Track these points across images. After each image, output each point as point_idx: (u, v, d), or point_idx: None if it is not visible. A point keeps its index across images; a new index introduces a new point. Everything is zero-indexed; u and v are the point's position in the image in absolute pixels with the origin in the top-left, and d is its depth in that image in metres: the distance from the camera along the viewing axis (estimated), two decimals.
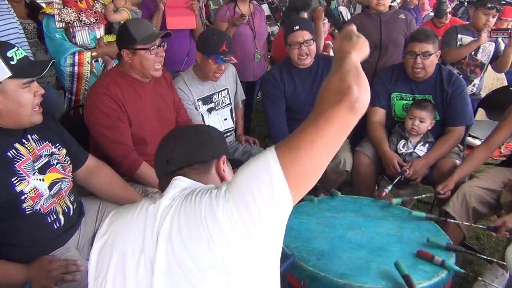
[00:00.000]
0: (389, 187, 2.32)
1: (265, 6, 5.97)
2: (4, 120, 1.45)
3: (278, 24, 6.09)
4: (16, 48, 1.44)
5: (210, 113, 2.63)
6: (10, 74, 1.39)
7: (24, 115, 1.46)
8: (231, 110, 2.75)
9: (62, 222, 1.61)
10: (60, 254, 1.58)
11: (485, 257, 1.86)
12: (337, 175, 2.66)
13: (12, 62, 1.40)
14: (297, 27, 2.62)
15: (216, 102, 2.66)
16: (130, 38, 1.99)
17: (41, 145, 1.58)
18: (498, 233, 1.89)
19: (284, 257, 1.58)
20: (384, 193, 2.24)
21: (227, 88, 2.71)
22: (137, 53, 2.01)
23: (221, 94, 2.68)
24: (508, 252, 1.73)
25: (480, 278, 1.90)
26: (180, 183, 1.04)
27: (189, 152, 1.10)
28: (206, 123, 2.58)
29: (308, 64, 2.71)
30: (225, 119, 2.72)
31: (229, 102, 2.73)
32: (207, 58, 2.39)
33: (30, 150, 1.53)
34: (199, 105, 2.57)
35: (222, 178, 1.12)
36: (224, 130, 2.69)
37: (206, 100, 2.60)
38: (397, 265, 1.48)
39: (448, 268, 1.53)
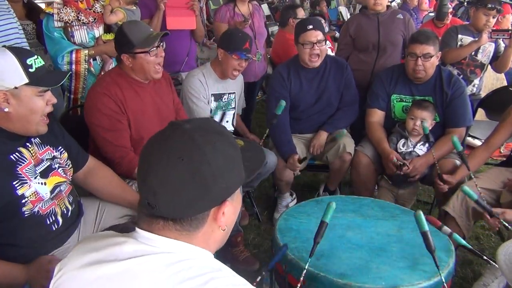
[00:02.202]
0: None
1: (265, 6, 5.97)
2: (13, 125, 1.46)
3: (278, 24, 6.09)
4: (35, 57, 1.46)
5: (217, 111, 2.69)
6: (27, 81, 1.41)
7: (34, 122, 1.48)
8: (234, 114, 2.79)
9: (60, 223, 1.61)
10: (59, 254, 1.58)
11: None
12: (341, 162, 2.68)
13: (30, 70, 1.42)
14: (310, 27, 2.62)
15: (225, 103, 2.70)
16: (128, 42, 1.98)
17: (42, 149, 1.58)
18: (493, 219, 1.88)
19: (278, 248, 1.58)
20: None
21: (235, 93, 2.77)
22: (137, 57, 2.01)
23: (229, 97, 2.74)
24: (498, 252, 1.73)
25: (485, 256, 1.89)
26: (148, 258, 0.81)
27: (178, 206, 0.82)
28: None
29: (317, 66, 2.72)
30: (227, 121, 2.76)
31: (234, 106, 2.79)
32: (231, 54, 2.48)
33: (33, 154, 1.53)
34: (211, 100, 2.63)
35: (215, 225, 0.88)
36: None
37: (217, 97, 2.67)
38: (418, 219, 1.44)
39: (455, 241, 1.53)
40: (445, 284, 1.43)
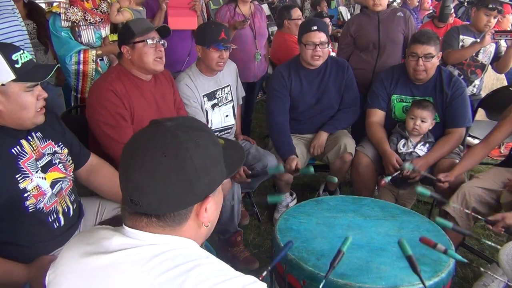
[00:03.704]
0: (389, 178, 2.35)
1: (265, 6, 5.97)
2: (6, 121, 1.46)
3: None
4: (21, 51, 1.44)
5: (213, 109, 2.64)
6: (14, 77, 1.40)
7: (26, 118, 1.47)
8: (233, 107, 2.75)
9: (62, 222, 1.61)
10: None
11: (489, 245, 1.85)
12: (341, 162, 2.68)
13: (16, 65, 1.40)
14: (314, 28, 2.61)
15: (219, 99, 2.66)
16: (129, 32, 2.01)
17: (44, 143, 1.59)
18: (495, 227, 1.89)
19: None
20: (383, 181, 2.29)
21: (230, 85, 2.71)
22: (136, 47, 2.02)
23: (224, 91, 2.68)
24: (501, 252, 1.73)
25: (482, 269, 1.90)
26: (135, 251, 0.83)
27: (162, 202, 0.82)
28: (209, 119, 2.60)
29: (319, 66, 2.71)
30: (227, 116, 2.72)
31: (231, 98, 2.73)
32: (208, 48, 2.40)
33: (34, 148, 1.54)
34: (204, 101, 2.57)
35: (199, 221, 0.90)
36: (225, 126, 2.70)
37: (211, 96, 2.61)
38: (401, 245, 1.45)
39: (451, 256, 1.52)
40: None
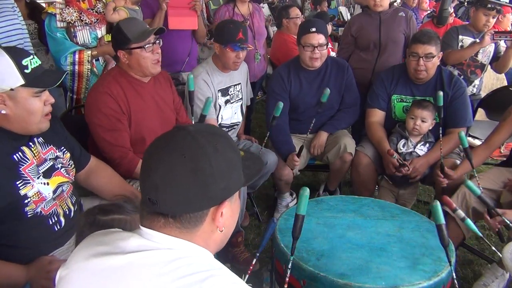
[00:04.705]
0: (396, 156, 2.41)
1: (265, 6, 5.97)
2: (12, 126, 1.46)
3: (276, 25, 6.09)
4: (31, 57, 1.44)
5: (226, 105, 2.66)
6: (23, 82, 1.40)
7: (33, 122, 1.47)
8: (241, 105, 2.78)
9: (63, 224, 1.61)
10: (60, 255, 1.58)
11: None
12: (341, 162, 2.68)
13: (26, 71, 1.40)
14: (313, 29, 2.60)
15: (232, 95, 2.69)
16: (123, 38, 1.99)
17: (46, 149, 1.58)
18: (492, 219, 1.88)
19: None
20: (391, 153, 2.39)
21: (240, 84, 2.75)
22: (133, 53, 2.01)
23: (235, 88, 2.72)
24: (504, 251, 1.73)
25: (488, 267, 1.90)
26: (151, 254, 0.84)
27: (178, 202, 0.84)
28: (220, 114, 2.63)
29: (318, 67, 2.71)
30: (235, 113, 2.76)
31: (241, 97, 2.77)
32: (225, 48, 2.43)
33: (36, 154, 1.53)
34: (218, 96, 2.60)
35: (214, 225, 0.90)
36: (233, 123, 2.74)
37: (224, 92, 2.64)
38: (435, 210, 1.38)
39: (467, 226, 1.58)
40: (454, 274, 1.44)
